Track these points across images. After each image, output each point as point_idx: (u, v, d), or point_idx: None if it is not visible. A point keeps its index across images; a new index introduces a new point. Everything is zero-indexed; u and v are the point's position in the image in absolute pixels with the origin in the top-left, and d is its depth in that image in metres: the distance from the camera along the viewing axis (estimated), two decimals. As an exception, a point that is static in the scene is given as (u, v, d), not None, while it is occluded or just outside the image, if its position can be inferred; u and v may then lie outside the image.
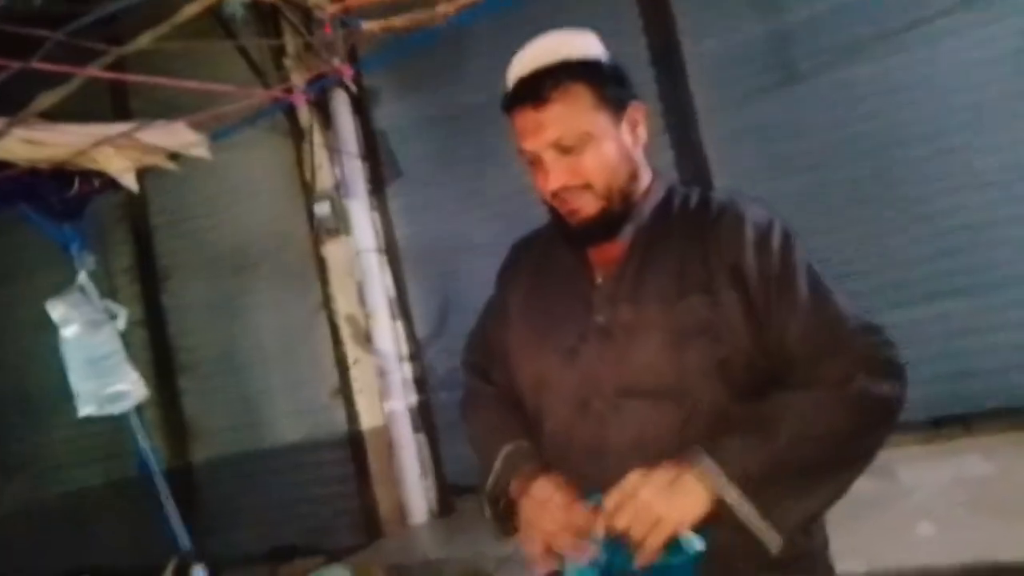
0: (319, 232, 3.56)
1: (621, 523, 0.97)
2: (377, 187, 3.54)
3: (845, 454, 1.04)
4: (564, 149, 1.12)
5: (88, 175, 2.70)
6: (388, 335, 3.45)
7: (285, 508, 3.60)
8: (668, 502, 0.97)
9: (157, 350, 3.94)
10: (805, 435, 1.02)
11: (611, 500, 0.98)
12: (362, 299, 3.49)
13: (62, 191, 2.78)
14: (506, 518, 1.18)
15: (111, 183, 2.67)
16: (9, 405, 4.42)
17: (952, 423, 2.63)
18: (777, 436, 1.02)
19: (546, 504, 1.08)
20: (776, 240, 1.12)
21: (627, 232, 1.17)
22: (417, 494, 3.37)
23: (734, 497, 0.98)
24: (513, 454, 1.18)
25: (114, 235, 4.03)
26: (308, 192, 3.60)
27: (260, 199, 3.79)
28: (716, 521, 0.98)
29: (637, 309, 1.13)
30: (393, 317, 3.47)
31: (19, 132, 2.12)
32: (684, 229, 1.17)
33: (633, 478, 0.99)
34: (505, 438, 1.21)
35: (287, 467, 3.67)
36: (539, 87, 1.11)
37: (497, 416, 1.27)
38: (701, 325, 1.09)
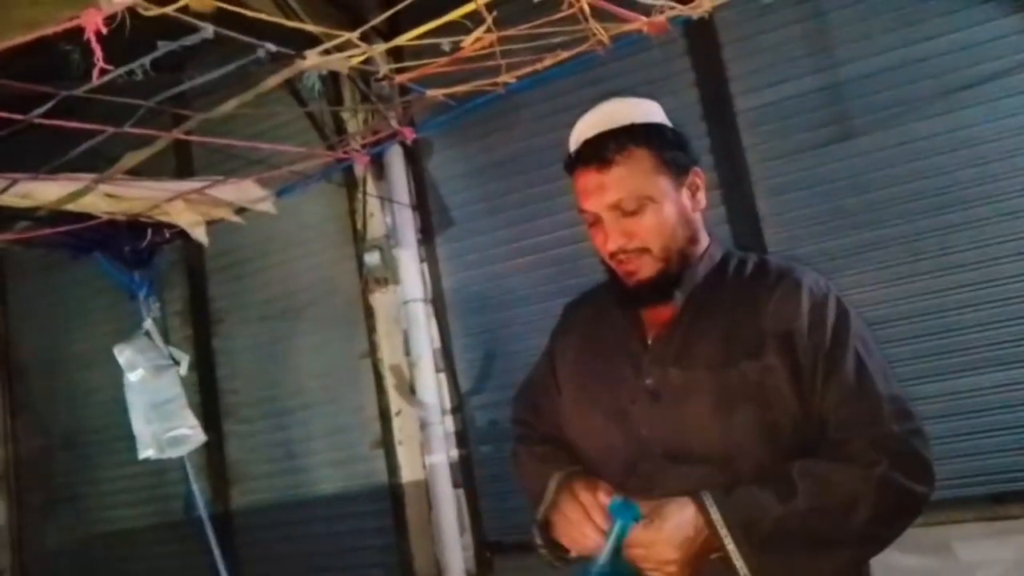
0: (368, 281, 3.61)
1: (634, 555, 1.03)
2: (426, 237, 3.58)
3: (853, 534, 1.02)
4: (624, 212, 1.13)
5: (160, 227, 2.83)
6: (432, 386, 3.44)
7: (322, 558, 3.57)
8: (677, 547, 1.00)
9: (206, 393, 4.00)
10: (819, 504, 1.01)
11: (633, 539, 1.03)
12: (407, 349, 3.50)
13: (135, 241, 2.93)
14: (557, 544, 1.18)
15: (180, 234, 2.79)
16: (62, 442, 4.53)
17: (1015, 499, 2.48)
18: (791, 498, 1.01)
19: (575, 500, 1.12)
20: (831, 313, 1.12)
21: (680, 295, 1.18)
22: (455, 550, 3.31)
23: (730, 546, 1.00)
24: (563, 479, 1.19)
25: (170, 279, 4.15)
26: (359, 241, 3.66)
27: (311, 246, 3.87)
28: (706, 558, 1.02)
29: (686, 373, 1.13)
30: (437, 368, 3.47)
31: (103, 187, 2.24)
32: (738, 293, 1.17)
33: (650, 522, 1.03)
34: (558, 467, 1.22)
35: (325, 517, 3.65)
36: (603, 149, 1.14)
37: (549, 452, 1.28)
38: (749, 391, 1.09)
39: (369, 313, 3.64)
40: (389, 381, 3.56)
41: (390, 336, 3.57)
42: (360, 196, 3.64)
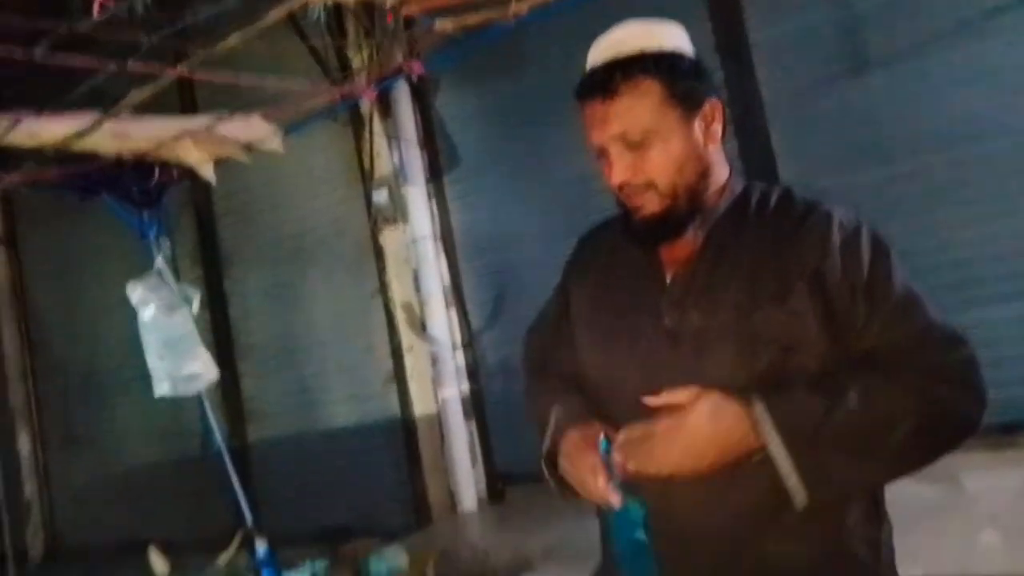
0: (376, 220, 3.60)
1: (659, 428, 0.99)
2: (435, 175, 3.55)
3: (899, 447, 1.00)
4: (629, 144, 1.09)
5: (167, 166, 2.81)
6: (442, 323, 3.47)
7: (338, 490, 3.67)
8: (712, 424, 0.97)
9: (219, 333, 4.04)
10: (869, 413, 0.99)
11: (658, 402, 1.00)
12: (417, 286, 3.52)
13: (143, 181, 2.91)
14: (563, 480, 1.16)
15: (188, 173, 2.77)
16: (79, 383, 4.62)
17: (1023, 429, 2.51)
18: (841, 404, 0.99)
19: (570, 454, 1.10)
20: (865, 245, 1.07)
21: (699, 231, 1.13)
22: (467, 481, 3.39)
23: (776, 443, 0.96)
24: (561, 415, 1.17)
25: (179, 222, 4.15)
26: (367, 180, 3.64)
27: (319, 187, 3.85)
28: (747, 461, 0.98)
29: (707, 316, 1.09)
30: (447, 305, 3.49)
31: (108, 126, 2.21)
32: (762, 230, 1.12)
33: (682, 395, 1.00)
34: (556, 399, 1.20)
35: (340, 451, 3.73)
36: (609, 79, 1.09)
37: (555, 382, 1.25)
38: (774, 335, 1.06)
39: (379, 252, 3.64)
40: (400, 318, 3.59)
41: (400, 274, 3.58)
42: (367, 134, 3.60)
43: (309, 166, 3.83)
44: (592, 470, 1.05)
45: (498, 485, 3.44)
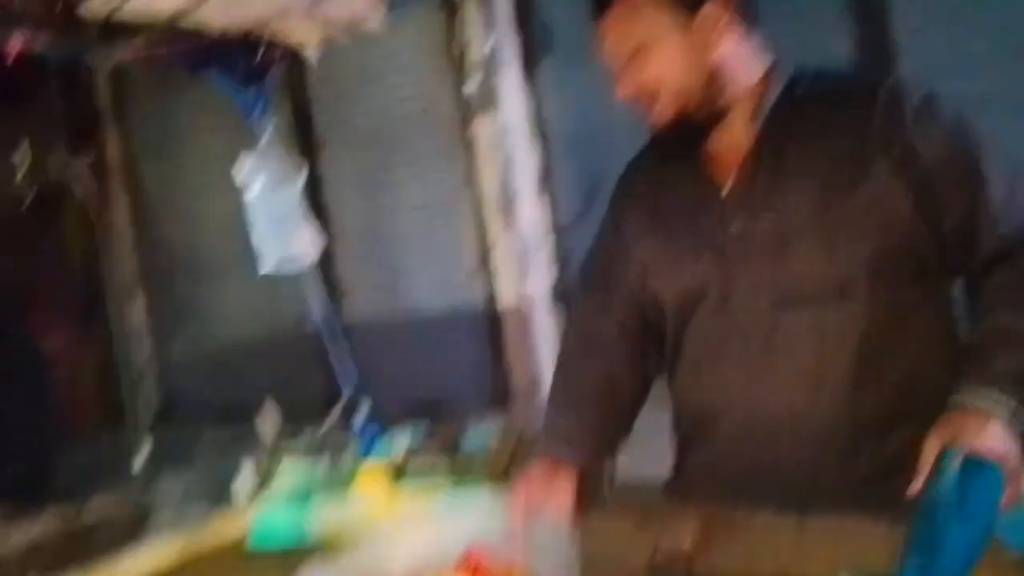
0: (467, 108, 3.56)
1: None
2: (529, 63, 3.45)
3: None
4: (627, 57, 1.09)
5: (272, 44, 2.82)
6: (531, 215, 3.46)
7: (426, 372, 3.81)
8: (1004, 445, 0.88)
9: (314, 216, 4.16)
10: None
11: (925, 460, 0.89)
12: (507, 178, 3.50)
13: (248, 58, 2.92)
14: None
15: (289, 53, 2.78)
16: (185, 256, 4.87)
17: None
18: (1012, 346, 0.96)
19: (522, 486, 1.15)
20: (947, 114, 1.03)
21: (749, 131, 1.11)
22: (549, 370, 3.47)
23: (1008, 402, 0.91)
24: (547, 443, 1.23)
25: (275, 103, 4.20)
26: (458, 67, 3.58)
27: (411, 73, 3.82)
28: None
29: (781, 216, 1.06)
30: (537, 198, 3.47)
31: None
32: (822, 115, 1.08)
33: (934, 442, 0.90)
34: (561, 415, 1.27)
35: (428, 334, 3.86)
36: None
37: (571, 381, 1.32)
38: (857, 223, 1.02)
39: (469, 141, 3.61)
40: (488, 209, 3.60)
41: (490, 165, 3.56)
42: (460, 18, 3.52)
43: (401, 52, 3.78)
44: (520, 511, 1.11)
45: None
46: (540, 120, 3.47)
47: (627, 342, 1.24)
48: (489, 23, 3.41)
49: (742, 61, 1.11)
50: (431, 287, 3.85)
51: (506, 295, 3.57)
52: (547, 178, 3.48)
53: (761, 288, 1.07)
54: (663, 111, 1.11)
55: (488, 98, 3.47)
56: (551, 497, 1.13)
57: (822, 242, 1.04)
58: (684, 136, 1.12)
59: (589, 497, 1.16)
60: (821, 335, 1.04)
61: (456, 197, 3.72)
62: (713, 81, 1.09)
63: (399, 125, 3.89)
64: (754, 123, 1.10)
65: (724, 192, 1.11)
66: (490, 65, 3.46)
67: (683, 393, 1.20)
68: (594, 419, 1.22)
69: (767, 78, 1.11)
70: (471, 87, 3.49)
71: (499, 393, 3.60)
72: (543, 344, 3.46)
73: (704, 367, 1.15)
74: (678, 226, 1.17)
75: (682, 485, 1.25)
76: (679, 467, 1.26)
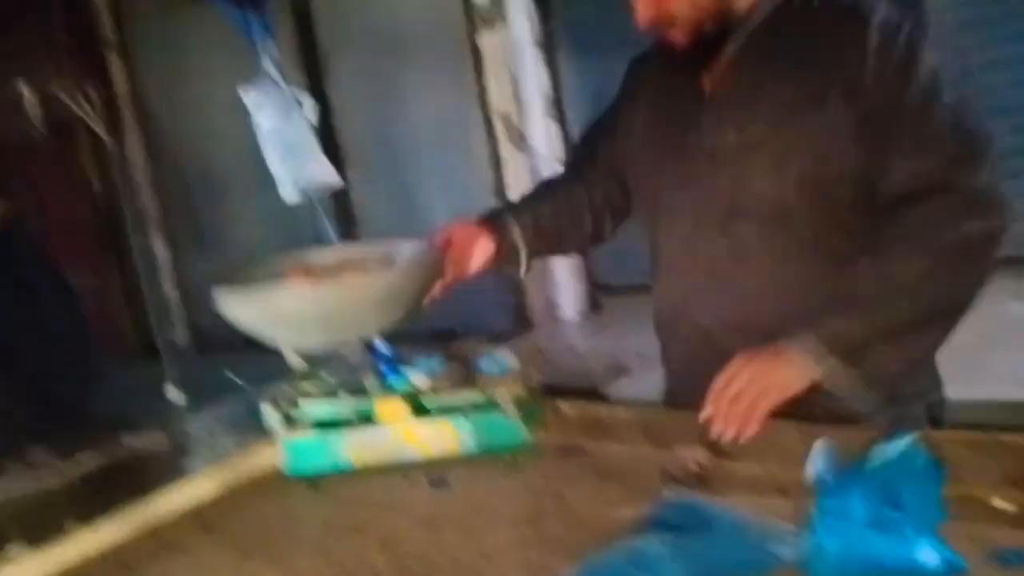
0: (475, 20, 3.46)
1: (729, 394, 1.03)
2: (536, -28, 3.33)
3: (941, 307, 1.04)
4: None
5: None
6: (542, 133, 3.41)
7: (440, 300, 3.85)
8: (772, 374, 1.02)
9: (324, 139, 4.12)
10: (900, 299, 1.02)
11: (717, 384, 1.05)
12: (517, 94, 3.43)
13: None
14: None
15: None
16: (201, 186, 4.88)
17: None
18: (874, 306, 1.03)
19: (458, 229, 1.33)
20: (900, 45, 1.04)
21: (734, 45, 1.14)
22: (567, 291, 3.50)
23: (837, 368, 1.02)
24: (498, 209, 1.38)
25: (279, 23, 4.11)
26: (464, -25, 3.46)
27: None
28: (816, 391, 1.04)
29: (742, 130, 1.12)
30: (548, 115, 3.41)
31: None
32: (800, 38, 1.11)
33: (736, 362, 1.05)
34: (530, 196, 1.40)
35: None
36: None
37: (545, 189, 1.43)
38: (807, 146, 1.07)
39: (477, 55, 3.53)
40: (499, 127, 3.55)
41: (499, 80, 3.49)
42: (464, -76, 3.38)
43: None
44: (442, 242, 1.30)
45: (596, 295, 3.53)
46: (548, 34, 3.37)
47: (590, 202, 1.38)
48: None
49: None
50: (444, 208, 3.85)
51: (522, 214, 3.56)
52: (557, 96, 3.41)
53: (716, 200, 1.14)
54: (679, 37, 1.14)
55: (495, 9, 3.36)
56: (469, 244, 1.31)
57: (773, 160, 1.09)
58: (700, 55, 1.15)
59: (495, 265, 1.34)
60: (766, 250, 1.12)
61: (466, 114, 3.66)
62: (722, 3, 1.12)
63: (406, 39, 3.80)
64: (739, 37, 1.13)
65: (705, 103, 1.17)
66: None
67: (655, 292, 1.32)
68: (538, 217, 1.36)
69: None
70: (479, -2, 3.39)
71: (516, 317, 3.65)
72: (559, 267, 3.48)
73: (670, 270, 1.26)
74: (664, 130, 1.24)
75: (669, 392, 1.37)
76: (665, 371, 1.37)
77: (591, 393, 1.45)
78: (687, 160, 1.18)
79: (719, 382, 1.05)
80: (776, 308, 1.13)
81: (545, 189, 1.43)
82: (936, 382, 1.22)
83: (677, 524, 0.87)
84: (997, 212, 1.03)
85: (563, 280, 3.49)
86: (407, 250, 1.34)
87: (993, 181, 1.03)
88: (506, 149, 3.55)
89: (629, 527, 0.89)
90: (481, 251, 1.31)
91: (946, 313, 1.03)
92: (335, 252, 1.38)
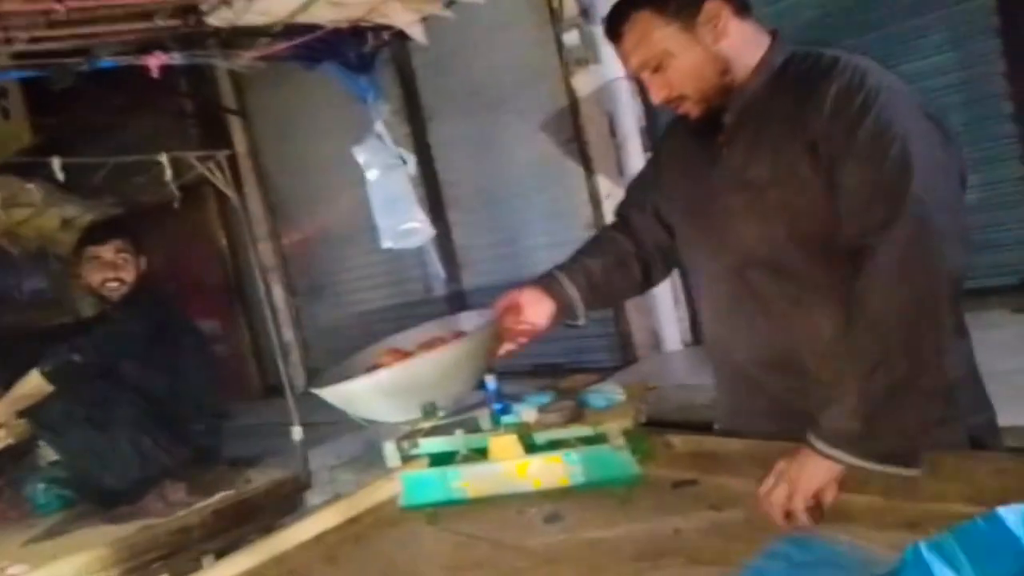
0: (568, 62, 3.53)
1: (770, 500, 1.06)
2: (626, 10, 3.38)
3: (912, 368, 1.03)
4: (651, 72, 1.21)
5: (378, 29, 2.91)
6: (639, 166, 3.41)
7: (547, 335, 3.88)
8: (797, 476, 1.04)
9: (429, 186, 4.28)
10: (873, 371, 1.03)
11: (761, 490, 1.07)
12: (613, 130, 3.46)
13: (358, 47, 3.04)
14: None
15: (399, 35, 2.86)
16: (315, 238, 5.17)
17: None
18: (856, 384, 1.04)
19: (514, 295, 1.42)
20: (855, 105, 1.08)
21: (731, 115, 1.22)
22: (670, 323, 3.46)
23: (848, 456, 1.03)
24: (555, 268, 1.46)
25: (382, 80, 4.33)
26: (556, 21, 3.55)
27: (509, 33, 3.82)
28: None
29: (734, 195, 1.22)
30: (644, 148, 3.42)
31: None
32: (784, 103, 1.17)
33: (774, 469, 1.08)
34: (578, 254, 1.48)
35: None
36: (612, 23, 1.22)
37: (593, 244, 1.51)
38: (784, 207, 1.16)
39: (572, 96, 3.60)
40: (597, 164, 3.58)
41: (594, 117, 3.54)
42: (554, -29, 3.47)
43: (498, 12, 3.78)
44: (505, 307, 1.40)
45: (699, 327, 3.47)
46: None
47: (637, 249, 1.46)
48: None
49: (745, 44, 1.21)
50: (545, 247, 3.90)
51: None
52: (651, 128, 3.42)
53: (730, 251, 1.24)
54: (693, 108, 1.23)
55: (587, 50, 3.42)
56: (531, 306, 1.40)
57: (758, 222, 1.19)
58: (713, 125, 1.24)
59: (557, 323, 1.44)
60: (780, 294, 1.20)
61: (563, 153, 3.72)
62: (726, 69, 1.21)
63: (502, 86, 3.92)
64: (735, 107, 1.21)
65: (716, 165, 1.26)
66: (586, 16, 3.41)
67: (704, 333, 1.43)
68: (590, 273, 1.44)
69: (760, 62, 1.21)
70: (569, 40, 3.46)
71: (621, 348, 3.63)
72: (663, 299, 3.46)
73: (706, 310, 1.37)
74: (686, 186, 1.33)
75: (718, 419, 1.43)
76: (717, 398, 1.44)
77: (700, 426, 1.43)
78: (705, 214, 1.28)
79: (762, 489, 1.08)
80: (799, 347, 1.19)
81: (594, 244, 1.52)
82: (980, 404, 1.22)
83: (798, 560, 0.85)
84: (948, 255, 1.03)
85: (666, 312, 3.45)
86: (473, 322, 1.48)
87: (929, 246, 1.02)
88: (605, 185, 3.57)
89: (749, 562, 0.87)
90: (543, 311, 1.41)
91: (921, 370, 1.03)
92: (421, 334, 1.50)
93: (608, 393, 1.35)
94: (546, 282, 1.44)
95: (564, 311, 1.44)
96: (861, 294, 1.05)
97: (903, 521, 0.94)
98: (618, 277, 1.46)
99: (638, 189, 1.52)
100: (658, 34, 1.18)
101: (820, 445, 1.05)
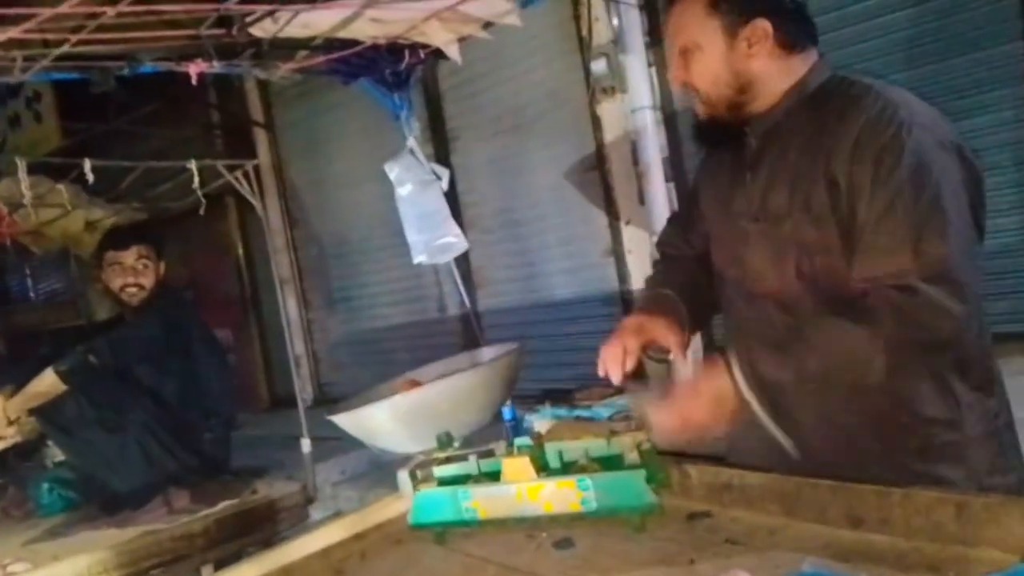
0: (595, 90, 3.54)
1: None
2: (655, 41, 3.40)
3: (875, 385, 1.11)
4: (679, 50, 1.21)
5: (415, 48, 2.95)
6: (660, 196, 3.41)
7: (558, 355, 3.87)
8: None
9: (450, 206, 4.29)
10: (831, 367, 1.11)
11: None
12: (635, 159, 3.47)
13: (394, 64, 3.09)
14: None
15: (434, 54, 2.90)
16: (333, 252, 5.19)
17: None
18: (804, 364, 1.12)
19: (619, 331, 1.38)
20: (883, 140, 1.05)
21: (756, 136, 1.22)
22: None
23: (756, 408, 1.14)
24: (642, 300, 1.45)
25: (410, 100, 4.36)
26: (584, 49, 3.57)
27: (537, 58, 3.85)
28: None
29: (753, 223, 1.22)
30: (666, 178, 3.42)
31: (369, 12, 2.39)
32: (808, 134, 1.15)
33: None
34: (655, 286, 1.44)
35: (560, 319, 3.91)
36: None
37: (662, 275, 1.48)
38: (798, 239, 1.15)
39: (596, 123, 3.61)
40: (618, 191, 3.59)
41: (618, 145, 3.55)
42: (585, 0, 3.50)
43: (527, 37, 3.82)
44: (615, 356, 1.35)
45: (709, 354, 3.43)
46: (667, 100, 3.41)
47: (701, 264, 1.44)
48: (614, 2, 3.38)
49: (779, 72, 1.19)
50: (563, 271, 3.90)
51: (637, 277, 3.55)
52: (674, 159, 3.42)
53: (753, 276, 1.25)
54: (700, 107, 1.24)
55: (614, 79, 3.44)
56: (651, 335, 1.35)
57: (773, 253, 1.20)
58: (721, 131, 1.25)
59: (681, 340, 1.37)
60: (771, 326, 1.22)
61: (585, 179, 3.72)
62: (746, 88, 1.19)
63: (527, 111, 3.95)
64: (757, 134, 1.21)
65: (741, 192, 1.26)
66: (616, 45, 3.43)
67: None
68: (681, 294, 1.40)
69: (790, 89, 1.19)
70: (597, 68, 3.47)
71: (633, 374, 3.58)
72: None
73: (735, 331, 1.36)
74: (716, 211, 1.34)
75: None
76: None
77: (714, 458, 1.41)
78: (726, 238, 1.30)
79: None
80: (828, 370, 1.14)
81: (676, 266, 1.49)
82: (1005, 466, 1.19)
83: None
84: (946, 317, 1.03)
85: (680, 341, 3.42)
86: (490, 355, 1.45)
87: (933, 299, 1.02)
88: (625, 212, 3.57)
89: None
90: (676, 336, 1.37)
91: (881, 391, 1.10)
92: (439, 366, 1.53)
93: (621, 406, 1.36)
94: (667, 311, 1.38)
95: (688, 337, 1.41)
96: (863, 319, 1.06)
97: (926, 564, 0.92)
98: (712, 298, 1.42)
99: (687, 210, 1.54)
100: (700, 24, 1.18)
101: (744, 385, 1.12)
